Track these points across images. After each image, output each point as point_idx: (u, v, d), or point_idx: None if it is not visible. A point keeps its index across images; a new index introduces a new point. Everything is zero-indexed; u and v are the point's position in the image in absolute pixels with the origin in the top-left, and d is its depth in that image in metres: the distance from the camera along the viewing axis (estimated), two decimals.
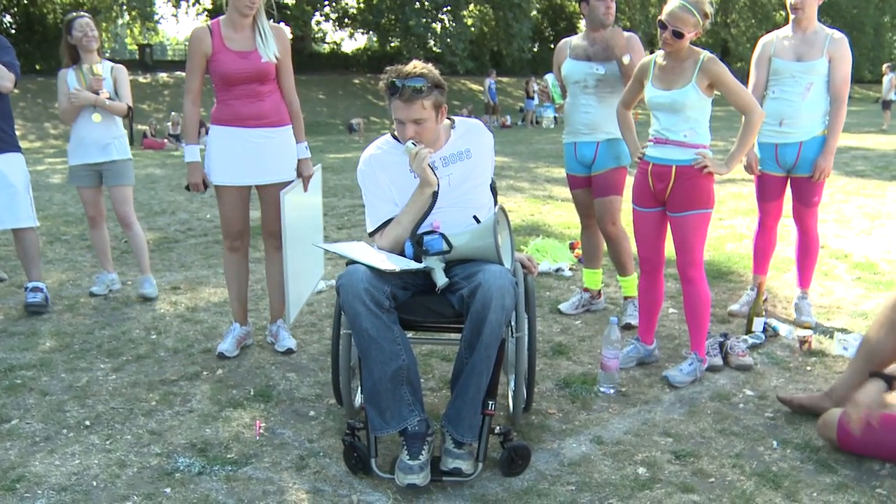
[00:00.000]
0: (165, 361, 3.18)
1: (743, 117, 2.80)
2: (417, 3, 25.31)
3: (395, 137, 2.48)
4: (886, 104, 17.12)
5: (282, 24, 3.12)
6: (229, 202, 3.11)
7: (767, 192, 3.52)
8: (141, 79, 22.31)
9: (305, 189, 3.21)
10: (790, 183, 3.46)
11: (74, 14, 3.92)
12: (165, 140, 15.62)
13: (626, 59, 3.29)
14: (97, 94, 3.82)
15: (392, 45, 27.35)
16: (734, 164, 2.80)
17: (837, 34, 3.27)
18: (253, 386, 2.91)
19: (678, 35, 2.67)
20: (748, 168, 3.53)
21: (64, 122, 4.07)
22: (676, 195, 2.81)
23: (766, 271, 3.70)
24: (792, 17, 3.30)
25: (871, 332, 2.57)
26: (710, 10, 2.68)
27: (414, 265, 2.29)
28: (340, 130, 20.72)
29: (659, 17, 2.71)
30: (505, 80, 28.39)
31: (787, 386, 2.87)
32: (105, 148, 3.94)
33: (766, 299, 3.60)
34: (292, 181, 3.11)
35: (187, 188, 3.14)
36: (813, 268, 3.60)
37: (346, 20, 29.15)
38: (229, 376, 3.01)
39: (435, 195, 2.39)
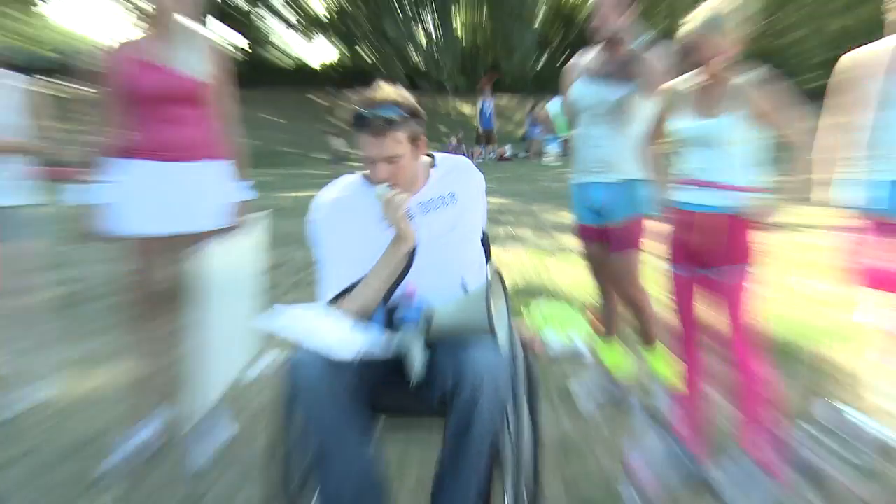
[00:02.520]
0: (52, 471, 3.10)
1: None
2: (399, 12, 25.95)
3: (365, 177, 2.48)
4: None
5: (219, 38, 3.15)
6: (135, 256, 3.06)
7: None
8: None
9: (234, 239, 3.13)
10: None
11: None
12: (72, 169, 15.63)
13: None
14: None
15: (367, 60, 27.90)
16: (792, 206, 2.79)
17: None
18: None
19: (701, 63, 2.74)
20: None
21: None
22: (720, 250, 2.81)
23: None
24: None
25: None
26: (739, 17, 2.69)
27: (381, 349, 2.24)
28: (301, 162, 20.87)
29: (680, 42, 2.77)
30: (503, 101, 28.73)
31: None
32: None
33: None
34: (212, 231, 3.06)
35: (81, 236, 3.07)
36: None
37: (306, 25, 29.74)
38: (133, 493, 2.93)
39: (412, 253, 2.38)
